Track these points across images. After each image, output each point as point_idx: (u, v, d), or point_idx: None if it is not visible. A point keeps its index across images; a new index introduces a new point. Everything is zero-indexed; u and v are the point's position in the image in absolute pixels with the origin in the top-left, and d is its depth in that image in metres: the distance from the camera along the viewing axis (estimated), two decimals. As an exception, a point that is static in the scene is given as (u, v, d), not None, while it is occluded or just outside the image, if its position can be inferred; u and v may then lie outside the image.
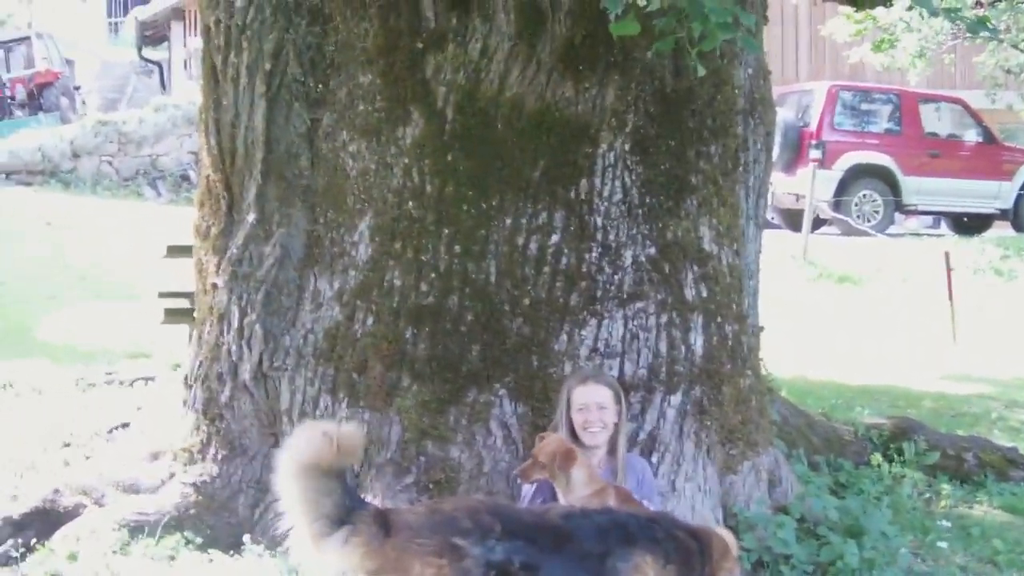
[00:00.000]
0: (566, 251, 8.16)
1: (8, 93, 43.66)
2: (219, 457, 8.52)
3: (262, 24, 8.46)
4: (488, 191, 8.12)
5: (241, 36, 8.51)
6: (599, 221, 8.21)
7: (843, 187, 27.73)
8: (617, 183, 8.27)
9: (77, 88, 48.12)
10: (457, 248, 8.08)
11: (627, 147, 8.30)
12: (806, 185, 25.23)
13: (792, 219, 27.90)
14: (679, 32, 6.61)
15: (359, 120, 8.35)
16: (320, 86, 8.55)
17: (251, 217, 8.55)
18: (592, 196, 8.21)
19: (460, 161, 8.13)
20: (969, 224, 30.44)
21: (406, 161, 8.20)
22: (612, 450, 7.42)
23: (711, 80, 8.55)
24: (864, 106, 29.61)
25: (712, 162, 8.67)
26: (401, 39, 8.24)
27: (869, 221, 27.63)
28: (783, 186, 27.08)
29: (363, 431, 5.64)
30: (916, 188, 28.62)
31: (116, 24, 64.78)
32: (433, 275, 8.07)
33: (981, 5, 24.60)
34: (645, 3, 6.42)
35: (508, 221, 8.12)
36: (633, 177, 8.31)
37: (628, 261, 8.25)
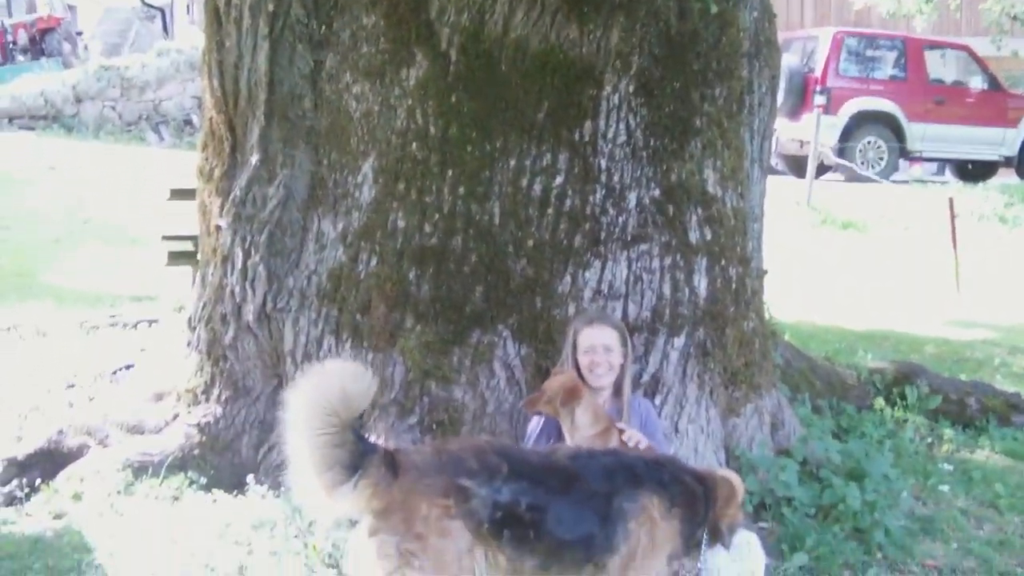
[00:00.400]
0: (570, 193, 8.13)
1: (10, 38, 43.53)
2: (223, 398, 8.55)
3: (265, -36, 8.44)
4: (492, 133, 8.09)
5: (244, -24, 8.50)
6: (603, 163, 8.18)
7: (847, 133, 27.65)
8: (621, 125, 8.23)
9: (79, 33, 47.98)
10: (461, 189, 8.06)
11: (631, 89, 8.25)
12: (810, 131, 25.11)
13: (796, 165, 27.84)
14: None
15: (363, 61, 8.32)
16: (323, 27, 8.51)
17: (254, 158, 8.53)
18: (596, 138, 8.18)
19: (464, 102, 8.10)
20: (974, 171, 30.37)
21: (410, 102, 8.17)
22: (617, 391, 7.40)
23: (716, 22, 8.50)
24: (869, 52, 29.47)
25: (717, 104, 8.63)
26: (405, -21, 8.22)
27: (873, 168, 27.57)
28: (787, 132, 27.02)
29: (371, 375, 5.56)
30: (921, 135, 28.54)
31: (118, -31, 64.48)
32: (437, 216, 8.06)
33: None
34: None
35: (512, 163, 8.09)
36: (637, 119, 8.27)
37: (632, 203, 8.22)
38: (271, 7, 8.42)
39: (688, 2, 8.28)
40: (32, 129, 30.10)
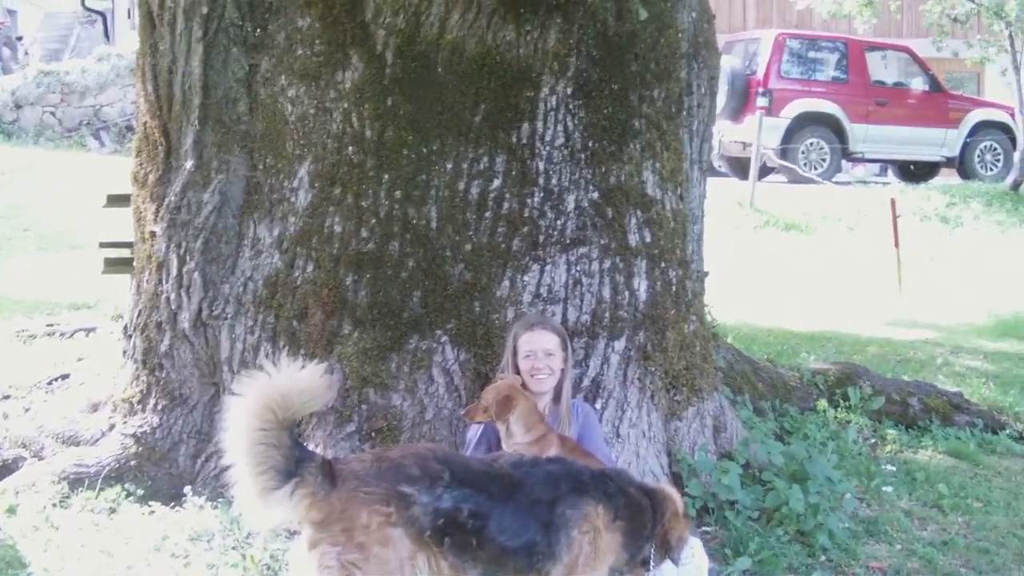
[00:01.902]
0: (508, 196, 8.08)
1: (-53, 44, 43.17)
2: (159, 407, 8.44)
3: (199, -34, 8.36)
4: (429, 136, 8.03)
5: (178, -22, 8.41)
6: (541, 166, 8.13)
7: (790, 135, 27.77)
8: (559, 127, 8.18)
9: (19, 39, 47.62)
10: (398, 193, 7.99)
11: (569, 91, 8.21)
12: (753, 133, 25.20)
13: (739, 167, 27.94)
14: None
15: (298, 64, 8.24)
16: (258, 30, 8.43)
17: (189, 164, 8.44)
18: (534, 140, 8.13)
19: (400, 105, 8.03)
20: (916, 172, 30.55)
21: (345, 106, 8.10)
22: (557, 397, 7.34)
23: (654, 23, 8.46)
24: (811, 54, 29.62)
25: (655, 106, 8.59)
26: (340, -19, 8.14)
27: (816, 169, 27.68)
28: (730, 134, 27.13)
29: (324, 381, 5.50)
30: (863, 136, 28.71)
31: (59, -27, 64.09)
32: (373, 221, 7.99)
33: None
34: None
35: (449, 166, 8.03)
36: (575, 121, 8.22)
37: (571, 206, 8.17)
38: (205, 10, 8.34)
39: (626, 3, 8.23)
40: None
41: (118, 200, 10.83)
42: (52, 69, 32.41)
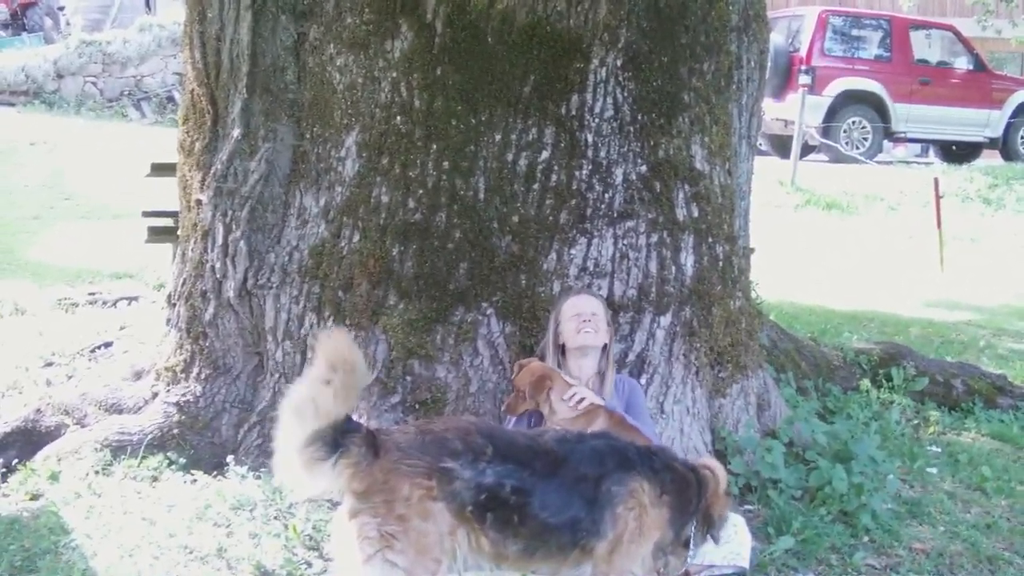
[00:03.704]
0: (556, 168, 8.02)
1: (-8, 9, 43.31)
2: (202, 376, 8.43)
3: (248, -66, 8.32)
4: (477, 106, 7.97)
5: (226, -53, 8.37)
6: (590, 138, 8.07)
7: (832, 113, 27.62)
8: (608, 100, 8.12)
9: (61, 8, 47.70)
10: (445, 164, 7.94)
11: (619, 63, 8.14)
12: (795, 111, 25.07)
13: (781, 145, 27.81)
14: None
15: (346, 33, 8.18)
16: (307, -2, 8.39)
17: (236, 132, 8.40)
18: (583, 112, 8.07)
19: (449, 75, 7.97)
20: (958, 152, 30.35)
21: (394, 75, 8.04)
22: (600, 373, 7.30)
23: (706, -4, 8.42)
24: (854, 32, 29.43)
25: (705, 79, 8.53)
26: (391, -50, 8.09)
27: (858, 148, 27.53)
28: (772, 112, 26.95)
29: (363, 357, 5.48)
30: (905, 115, 28.53)
31: (100, -56, 64.18)
32: (421, 191, 7.94)
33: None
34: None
35: (497, 137, 7.97)
36: (625, 94, 8.16)
37: (619, 179, 8.12)
38: (254, -23, 8.30)
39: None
40: (12, 105, 29.91)
41: (162, 169, 10.83)
42: (93, 39, 32.45)
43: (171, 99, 31.09)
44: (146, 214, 11.55)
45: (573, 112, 8.05)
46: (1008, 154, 29.87)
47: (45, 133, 24.98)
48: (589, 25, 8.03)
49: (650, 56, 8.24)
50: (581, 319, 7.16)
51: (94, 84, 31.59)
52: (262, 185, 8.33)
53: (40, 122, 26.79)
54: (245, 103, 8.40)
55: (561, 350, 7.23)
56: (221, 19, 8.44)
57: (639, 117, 8.20)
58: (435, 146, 7.95)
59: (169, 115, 29.30)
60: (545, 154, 8.01)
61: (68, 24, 44.56)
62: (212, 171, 8.48)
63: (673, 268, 8.20)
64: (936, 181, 19.24)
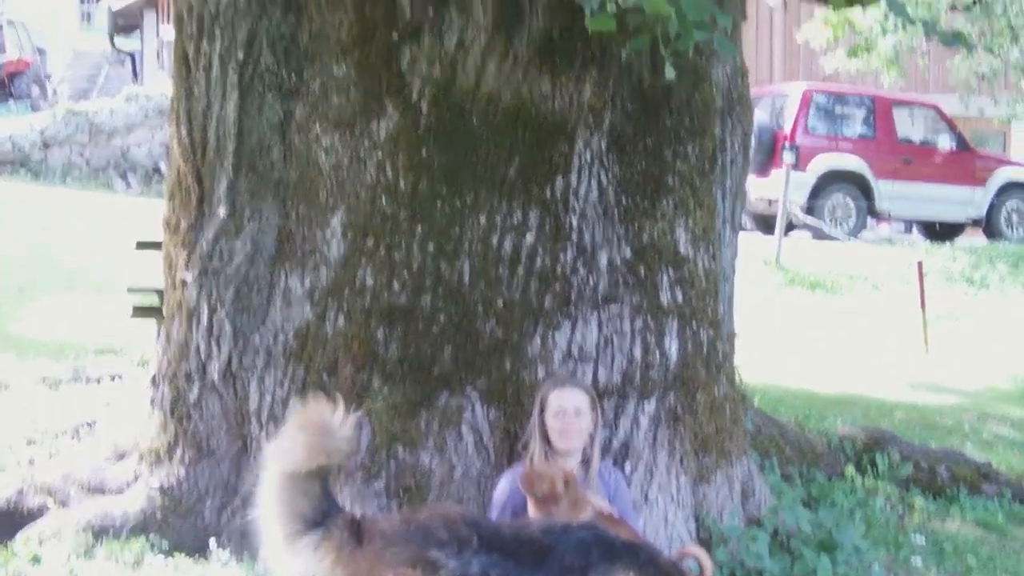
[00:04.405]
0: (541, 251, 8.02)
1: (-21, 79, 43.50)
2: (186, 459, 8.37)
3: (235, 12, 8.33)
4: (463, 188, 7.99)
5: (214, 24, 8.37)
6: (574, 221, 8.09)
7: (816, 191, 27.71)
8: (593, 182, 8.15)
9: (48, 77, 47.97)
10: (431, 246, 7.94)
11: (604, 145, 8.18)
12: (779, 188, 25.14)
13: (764, 222, 27.86)
14: (654, 29, 6.54)
15: (332, 112, 8.20)
16: (293, 77, 8.39)
17: (222, 211, 8.40)
18: (568, 195, 8.09)
19: (435, 156, 7.99)
20: (941, 231, 30.44)
21: (380, 155, 8.05)
22: (586, 460, 7.30)
23: (689, 78, 8.42)
24: (838, 109, 29.56)
25: (689, 162, 8.55)
26: (376, 30, 8.09)
27: (842, 226, 27.61)
28: (756, 189, 27.00)
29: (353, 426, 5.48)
30: (889, 193, 28.61)
31: (88, 13, 64.62)
32: (406, 274, 7.93)
33: (956, 8, 24.54)
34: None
35: (483, 219, 7.98)
36: (609, 176, 8.19)
37: (603, 263, 8.13)
38: (241, 55, 8.31)
39: (661, 57, 8.20)
40: (-1, 174, 29.97)
41: (148, 246, 10.80)
42: (80, 109, 32.57)
43: (157, 170, 31.11)
44: (131, 291, 11.52)
45: (558, 195, 8.06)
46: (991, 233, 29.91)
47: (31, 203, 24.96)
48: (574, 107, 8.06)
49: (634, 139, 8.29)
50: (565, 418, 7.16)
51: (81, 154, 31.63)
52: (247, 265, 8.31)
53: (26, 191, 26.80)
54: (231, 182, 8.40)
55: (547, 441, 7.21)
56: (208, 96, 8.45)
57: (623, 200, 8.23)
58: (420, 228, 7.95)
59: (155, 186, 29.34)
60: (530, 237, 8.01)
61: (55, 93, 44.83)
62: (197, 250, 8.46)
63: (657, 353, 8.18)
64: (920, 264, 19.27)
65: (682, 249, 8.44)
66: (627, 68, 8.19)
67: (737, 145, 9.23)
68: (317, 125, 8.25)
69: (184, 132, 8.62)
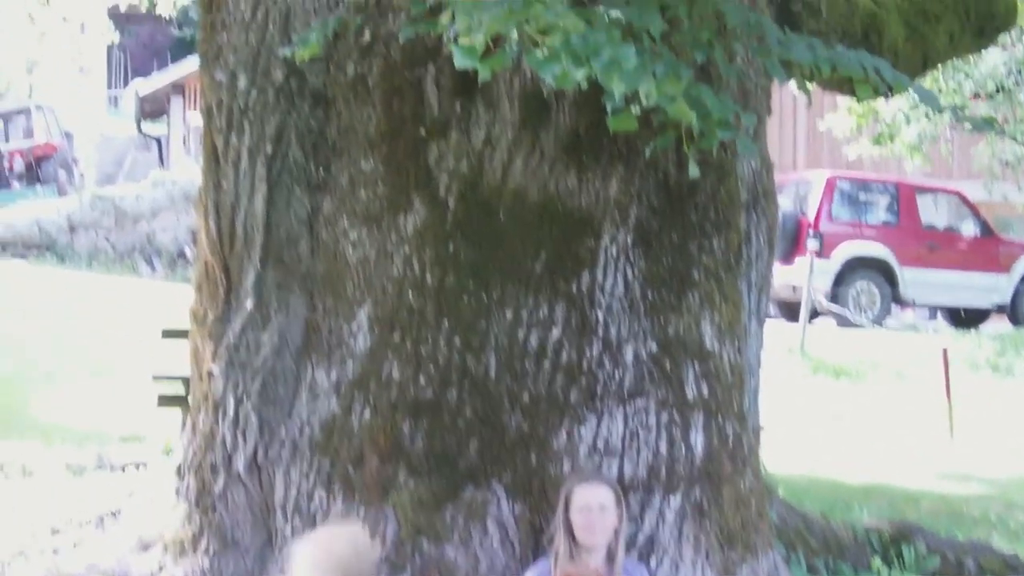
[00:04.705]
0: (567, 346, 8.04)
1: (6, 164, 43.82)
2: (211, 550, 8.35)
3: (264, 107, 8.43)
4: (489, 282, 8.03)
5: (243, 118, 8.47)
6: (600, 315, 8.11)
7: (840, 278, 27.72)
8: (619, 277, 8.17)
9: (75, 161, 48.25)
10: (457, 340, 7.97)
11: (630, 240, 8.21)
12: (803, 275, 25.15)
13: (788, 308, 27.83)
14: (679, 128, 6.60)
15: (360, 206, 8.27)
16: (321, 171, 8.48)
17: (249, 303, 8.45)
18: (594, 289, 8.11)
19: (461, 251, 8.05)
20: (966, 317, 30.37)
21: (407, 250, 8.11)
22: (610, 556, 7.28)
23: (715, 172, 8.47)
24: (862, 196, 29.62)
25: (715, 256, 8.58)
26: (404, 125, 8.18)
27: (866, 313, 27.58)
28: (780, 276, 26.96)
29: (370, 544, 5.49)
30: (913, 280, 28.59)
31: (115, 97, 65.10)
32: (432, 368, 7.96)
33: (979, 96, 24.64)
34: (644, 98, 6.35)
35: (509, 314, 8.02)
36: (635, 271, 8.22)
37: (629, 357, 8.13)
38: (270, 149, 8.40)
39: (686, 153, 8.24)
40: (24, 257, 30.11)
41: (174, 334, 10.87)
42: (106, 194, 32.84)
43: (182, 255, 31.28)
44: (157, 379, 11.58)
45: (584, 289, 8.09)
46: (1017, 319, 29.83)
47: (57, 287, 25.08)
48: (600, 202, 8.11)
49: (660, 233, 8.31)
50: (590, 514, 7.16)
51: (106, 239, 31.81)
52: (274, 357, 8.35)
53: (52, 276, 26.93)
54: (258, 274, 8.45)
55: (572, 536, 7.21)
56: (236, 190, 8.52)
57: (649, 295, 8.24)
58: (446, 322, 7.98)
59: (180, 271, 29.48)
60: (556, 331, 8.04)
61: (82, 176, 45.09)
62: (224, 342, 8.50)
63: (683, 447, 8.17)
64: (945, 352, 19.21)
65: (708, 343, 8.44)
66: (653, 163, 8.23)
67: (763, 238, 9.25)
68: (345, 219, 8.31)
69: (212, 224, 8.68)
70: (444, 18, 6.56)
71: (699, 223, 8.49)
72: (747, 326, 9.11)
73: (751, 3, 8.79)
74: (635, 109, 6.51)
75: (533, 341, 8.02)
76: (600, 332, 8.09)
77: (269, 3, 8.50)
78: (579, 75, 6.11)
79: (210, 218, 8.72)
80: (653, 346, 8.21)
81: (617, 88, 6.22)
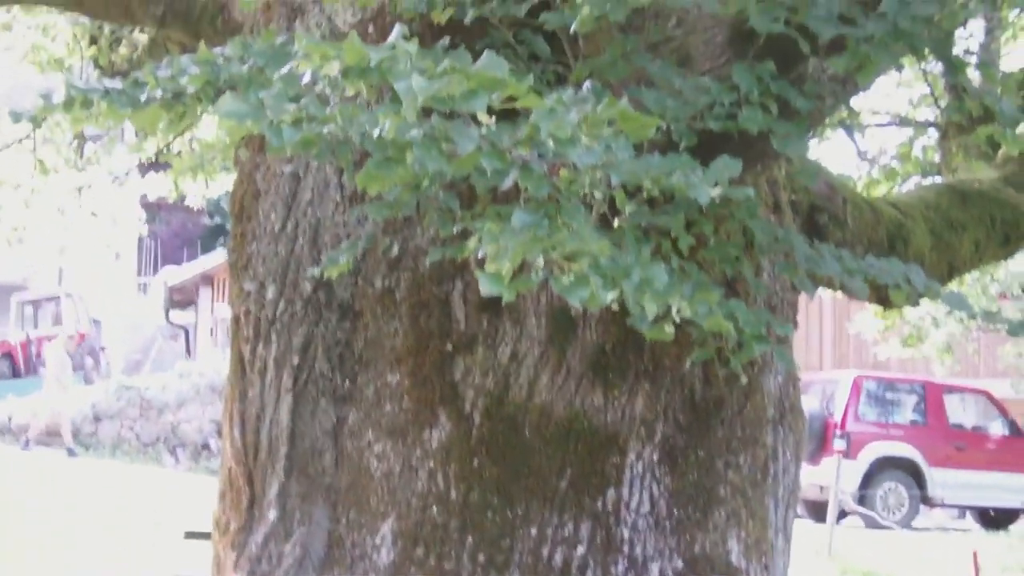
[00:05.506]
0: (592, 564, 7.96)
1: (34, 351, 44.09)
2: None
3: (292, 318, 8.46)
4: (514, 499, 7.98)
5: (271, 329, 8.50)
6: (626, 533, 8.04)
7: (868, 479, 27.63)
8: (645, 494, 8.12)
9: (103, 349, 48.52)
10: (481, 557, 7.90)
11: (656, 457, 8.17)
12: (830, 476, 25.04)
13: (815, 509, 27.69)
14: (717, 341, 6.62)
15: (385, 420, 8.25)
16: (347, 382, 8.48)
17: (272, 514, 8.40)
18: (619, 507, 8.05)
19: (486, 467, 8.01)
20: (996, 517, 30.15)
21: (432, 464, 8.07)
22: None
23: (741, 389, 8.46)
24: (889, 396, 29.66)
25: (741, 473, 8.53)
26: (431, 340, 8.20)
27: (894, 514, 27.42)
28: (807, 476, 26.85)
29: None
30: (942, 481, 28.50)
31: (144, 284, 65.66)
32: (456, 585, 7.90)
33: (1005, 296, 24.74)
34: (676, 315, 6.37)
35: (534, 531, 7.95)
36: (661, 488, 8.17)
37: (655, 575, 8.06)
38: (296, 360, 8.41)
39: (713, 368, 8.25)
40: (48, 446, 30.17)
41: (196, 536, 10.84)
42: (132, 384, 33.05)
43: (207, 446, 31.35)
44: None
45: (609, 507, 8.03)
46: (1048, 520, 29.66)
47: (80, 477, 25.10)
48: (626, 419, 8.09)
49: (686, 450, 8.27)
50: None
51: (131, 428, 31.91)
52: (296, 569, 8.28)
53: (76, 465, 26.95)
54: (282, 485, 8.41)
55: None
56: (262, 400, 8.53)
57: (675, 512, 8.18)
58: (471, 538, 7.92)
59: (203, 462, 29.52)
60: (581, 549, 7.96)
61: (108, 364, 45.31)
62: (246, 552, 8.45)
63: (709, 670, 8.09)
64: (975, 555, 19.05)
65: (734, 560, 8.37)
66: (679, 380, 8.23)
67: (789, 453, 9.20)
68: (370, 432, 8.29)
69: (237, 434, 8.68)
70: (471, 243, 6.62)
71: (726, 440, 8.46)
72: (774, 542, 9.03)
73: (777, 219, 8.87)
74: (669, 329, 6.53)
75: (558, 559, 7.94)
76: (626, 550, 8.02)
77: (299, 215, 8.59)
78: (608, 297, 6.15)
79: (235, 427, 8.72)
80: (679, 563, 8.14)
81: (649, 307, 6.25)
